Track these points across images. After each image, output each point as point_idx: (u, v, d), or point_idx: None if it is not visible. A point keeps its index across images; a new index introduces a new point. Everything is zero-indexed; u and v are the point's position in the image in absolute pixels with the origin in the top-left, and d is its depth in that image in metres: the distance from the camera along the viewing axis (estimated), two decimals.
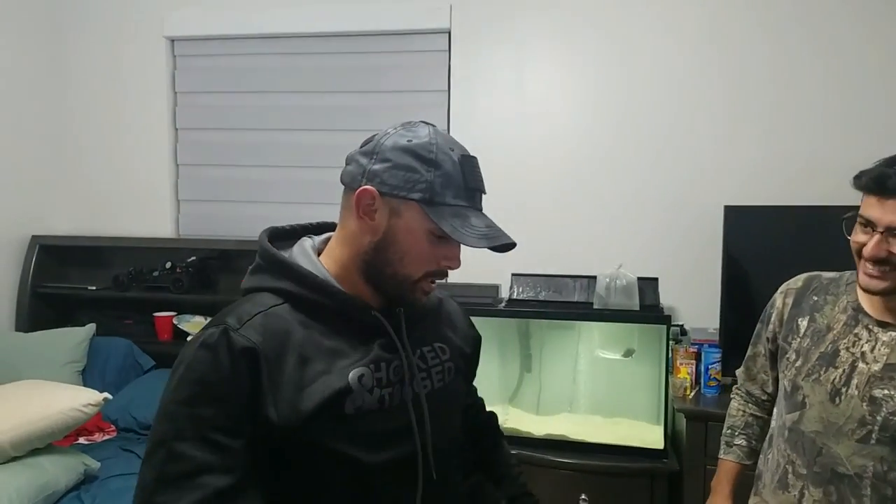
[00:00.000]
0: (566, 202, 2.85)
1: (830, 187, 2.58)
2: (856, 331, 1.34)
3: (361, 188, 0.95)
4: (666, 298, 2.61)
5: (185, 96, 3.29)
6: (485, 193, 1.02)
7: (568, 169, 2.83)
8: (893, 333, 1.31)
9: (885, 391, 1.28)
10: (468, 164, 0.98)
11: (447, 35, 2.98)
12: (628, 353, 2.54)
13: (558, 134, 2.87)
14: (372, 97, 3.09)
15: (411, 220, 0.96)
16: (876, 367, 1.30)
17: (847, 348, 1.34)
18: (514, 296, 2.57)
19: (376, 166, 0.96)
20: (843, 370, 1.32)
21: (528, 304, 2.55)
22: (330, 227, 1.11)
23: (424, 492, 1.00)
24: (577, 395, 2.66)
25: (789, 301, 1.51)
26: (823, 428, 1.33)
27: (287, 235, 1.10)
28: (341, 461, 0.94)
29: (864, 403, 1.29)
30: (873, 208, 1.28)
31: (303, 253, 1.03)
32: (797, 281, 1.55)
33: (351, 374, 0.95)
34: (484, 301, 2.57)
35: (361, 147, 0.99)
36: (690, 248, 2.72)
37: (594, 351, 2.59)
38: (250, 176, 3.22)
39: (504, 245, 0.98)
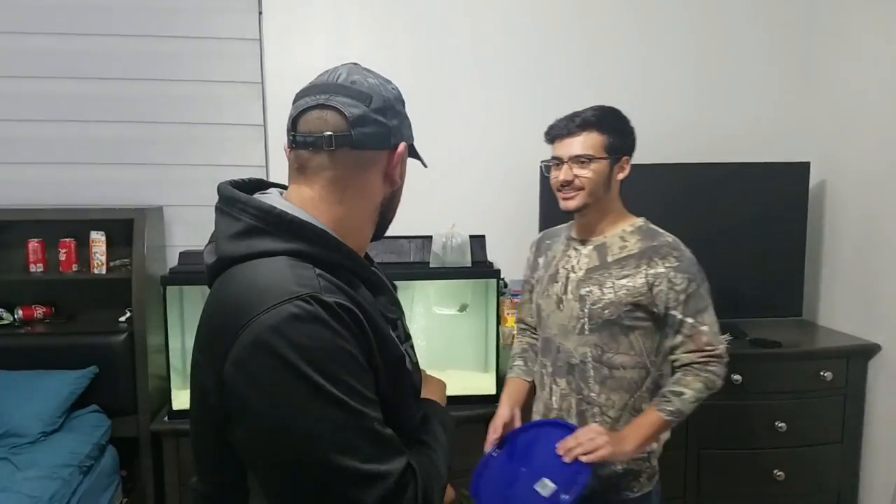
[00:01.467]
0: None
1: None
2: (568, 252, 1.75)
3: (400, 146, 1.00)
4: (490, 254, 2.75)
5: None
6: None
7: None
8: (589, 246, 1.71)
9: (587, 289, 1.66)
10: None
11: None
12: (463, 308, 2.65)
13: None
14: (174, 42, 2.75)
15: (405, 160, 1.05)
16: (580, 273, 1.69)
17: (563, 266, 1.74)
18: None
19: (394, 122, 1.00)
20: (562, 283, 1.72)
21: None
22: (259, 184, 1.05)
23: None
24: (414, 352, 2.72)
25: (533, 249, 1.94)
26: (558, 330, 1.71)
27: (245, 190, 0.99)
28: (405, 409, 0.99)
29: (576, 302, 1.67)
30: (557, 149, 1.70)
31: (294, 209, 0.94)
32: (539, 235, 1.98)
33: (394, 333, 0.97)
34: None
35: (362, 102, 0.96)
36: (511, 206, 2.89)
37: (430, 308, 2.66)
38: (23, 132, 2.71)
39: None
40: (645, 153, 2.86)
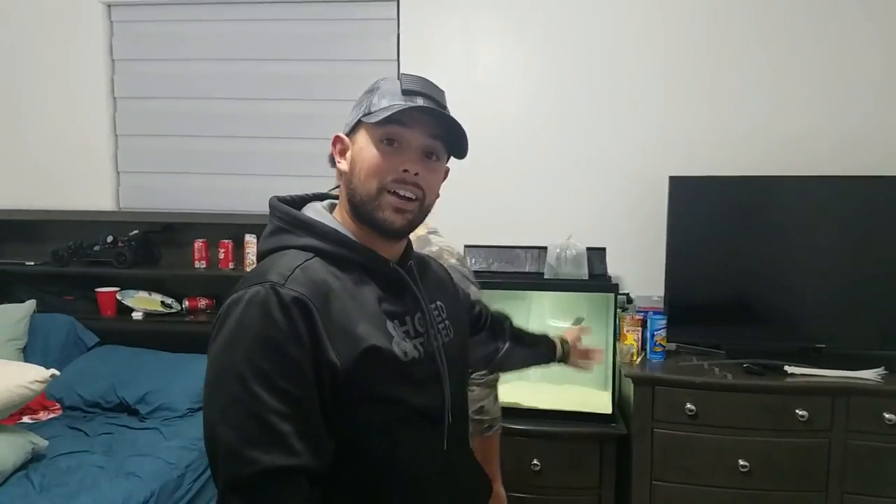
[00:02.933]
0: (517, 174, 2.87)
1: (773, 157, 2.69)
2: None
3: (334, 136, 1.09)
4: (613, 268, 2.67)
5: (124, 64, 3.15)
6: (431, 98, 1.06)
7: (518, 140, 2.85)
8: None
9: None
10: (407, 77, 1.07)
11: (396, 3, 2.94)
12: (578, 322, 2.59)
13: (508, 105, 2.88)
14: (318, 66, 3.03)
15: (361, 139, 1.06)
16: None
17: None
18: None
19: (354, 112, 1.08)
20: None
21: (482, 276, 2.55)
22: (327, 196, 1.17)
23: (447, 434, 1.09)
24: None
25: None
26: None
27: (292, 203, 1.13)
28: (393, 402, 1.01)
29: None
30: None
31: (317, 213, 1.08)
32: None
33: (388, 325, 1.02)
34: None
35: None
36: (636, 219, 2.79)
37: (545, 320, 2.64)
38: (192, 146, 3.13)
39: (447, 128, 1.08)
40: (798, 164, 2.68)
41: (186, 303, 3.05)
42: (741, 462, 2.28)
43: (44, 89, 3.12)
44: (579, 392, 2.65)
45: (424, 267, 1.23)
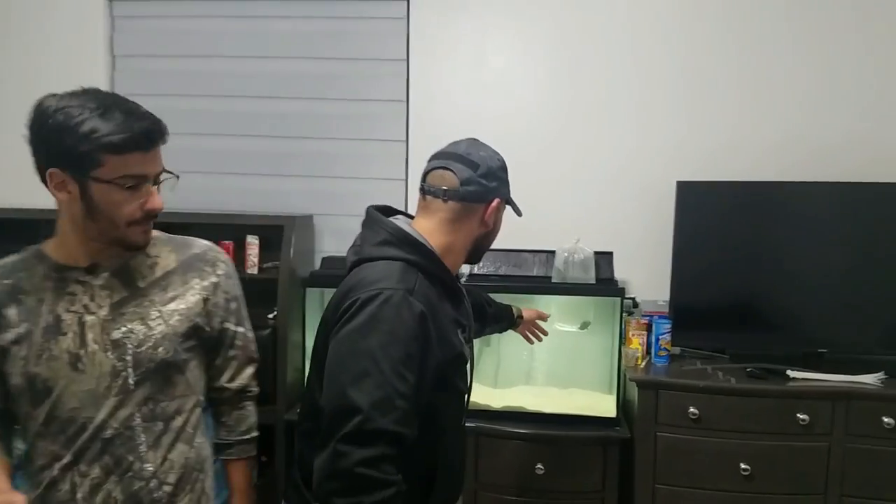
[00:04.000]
0: (525, 176, 2.87)
1: (781, 162, 2.73)
2: (69, 290, 1.27)
3: (494, 201, 1.41)
4: (620, 272, 2.69)
5: (125, 60, 3.12)
6: None
7: (526, 142, 2.86)
8: (104, 273, 1.29)
9: (123, 328, 1.26)
10: None
11: (406, 1, 2.94)
12: (584, 326, 2.62)
13: (518, 106, 2.90)
14: (326, 64, 3.02)
15: (502, 210, 1.47)
16: (104, 312, 1.26)
17: (68, 310, 1.26)
18: (475, 270, 2.60)
19: (494, 184, 1.40)
20: (74, 332, 1.25)
21: (489, 279, 2.58)
22: (391, 210, 1.49)
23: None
24: (533, 368, 2.73)
25: None
26: (80, 402, 1.24)
27: (383, 212, 1.44)
28: (456, 393, 1.41)
29: (109, 353, 1.25)
30: (141, 164, 1.21)
31: (416, 233, 1.37)
32: None
33: (461, 335, 1.38)
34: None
35: (471, 168, 1.38)
36: (644, 223, 2.82)
37: (552, 324, 2.65)
38: (193, 145, 3.09)
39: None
40: (804, 170, 2.73)
41: None
42: (743, 466, 2.31)
43: (43, 85, 3.06)
44: (584, 396, 2.67)
45: None
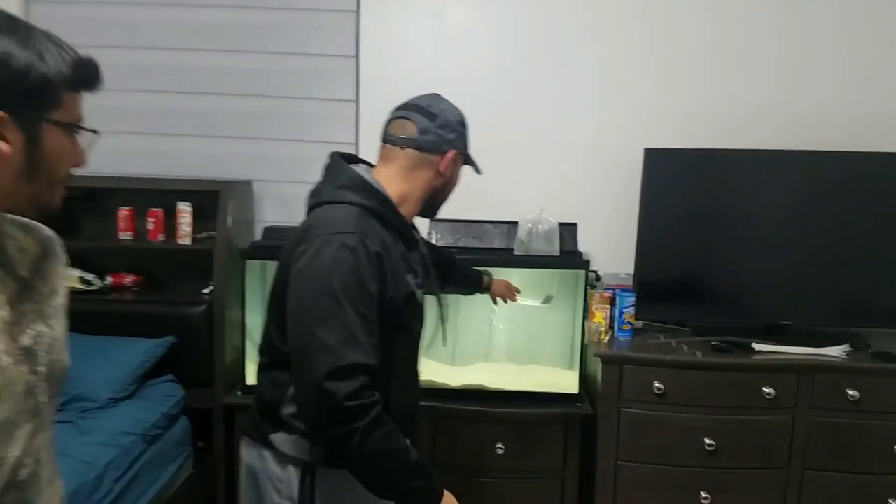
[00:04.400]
0: (486, 141, 2.70)
1: (745, 131, 2.65)
2: None
3: (451, 152, 1.45)
4: (582, 244, 2.58)
5: (40, 6, 2.76)
6: None
7: (488, 105, 2.68)
8: None
9: (31, 331, 0.93)
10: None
11: None
12: (547, 300, 2.50)
13: (479, 65, 2.72)
14: (266, 14, 2.74)
15: (460, 164, 1.52)
16: (4, 313, 0.90)
17: None
18: (433, 242, 2.43)
19: (451, 135, 1.45)
20: None
21: (448, 251, 2.41)
22: (354, 158, 1.52)
23: None
24: (493, 345, 2.60)
25: None
26: None
27: (344, 159, 1.47)
28: (410, 331, 1.48)
29: (23, 365, 0.91)
30: (80, 107, 0.92)
31: (373, 181, 1.42)
32: None
33: (413, 279, 1.42)
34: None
35: (430, 119, 1.42)
36: (609, 194, 2.71)
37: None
38: (117, 102, 2.74)
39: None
40: (774, 139, 2.67)
41: (110, 279, 2.72)
42: (707, 441, 2.27)
43: None
44: (544, 372, 2.57)
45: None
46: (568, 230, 2.49)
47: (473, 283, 2.09)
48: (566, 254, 2.44)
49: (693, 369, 2.28)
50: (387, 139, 1.45)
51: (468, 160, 1.53)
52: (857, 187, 2.47)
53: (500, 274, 2.38)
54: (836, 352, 2.31)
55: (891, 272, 2.49)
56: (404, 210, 1.43)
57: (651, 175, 2.49)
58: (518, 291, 2.19)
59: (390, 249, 1.36)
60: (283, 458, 1.37)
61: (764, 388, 2.25)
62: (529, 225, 2.38)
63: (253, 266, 2.43)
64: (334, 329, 1.22)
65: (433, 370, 2.52)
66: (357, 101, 2.76)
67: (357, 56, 2.74)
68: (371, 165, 1.50)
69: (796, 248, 2.51)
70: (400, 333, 1.42)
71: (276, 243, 2.41)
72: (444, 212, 2.50)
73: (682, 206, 2.53)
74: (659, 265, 2.55)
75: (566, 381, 2.49)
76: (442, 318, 1.72)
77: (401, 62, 2.71)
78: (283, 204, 2.83)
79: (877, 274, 2.50)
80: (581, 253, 2.47)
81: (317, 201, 1.41)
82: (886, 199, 2.47)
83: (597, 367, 2.39)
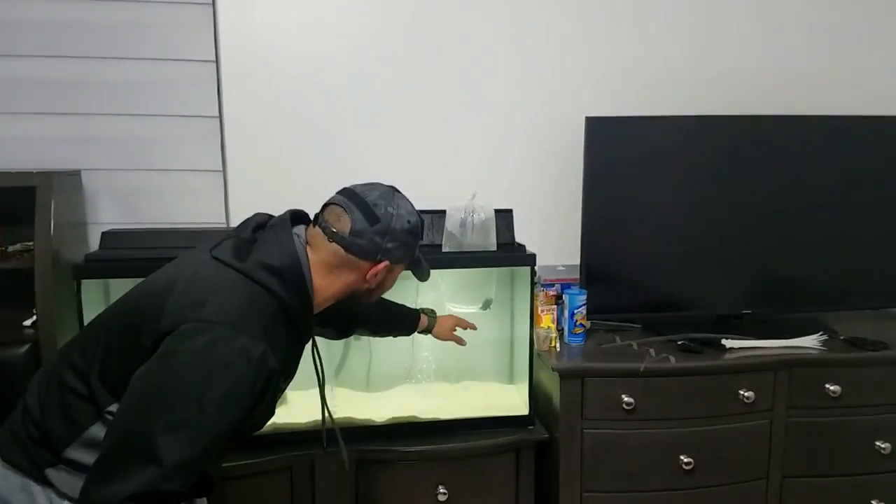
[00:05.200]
0: (400, 119, 2.23)
1: (697, 96, 2.36)
2: None
3: (380, 263, 1.26)
4: (518, 233, 2.14)
5: None
6: None
7: (395, 73, 2.20)
8: None
9: None
10: (422, 226, 1.37)
11: None
12: (486, 305, 2.05)
13: (377, 20, 2.20)
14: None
15: (397, 272, 1.34)
16: None
17: None
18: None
19: (390, 245, 1.25)
20: None
21: None
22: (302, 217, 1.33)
23: None
24: (417, 360, 2.11)
25: None
26: None
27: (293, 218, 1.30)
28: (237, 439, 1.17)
29: None
30: None
31: (307, 272, 1.23)
32: None
33: (283, 383, 1.23)
34: None
35: (369, 221, 1.22)
36: (544, 172, 2.30)
37: (443, 304, 2.05)
38: None
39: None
40: (706, 103, 2.39)
41: None
42: (684, 459, 1.93)
43: None
44: (483, 390, 2.14)
45: None
46: (502, 218, 2.04)
47: (408, 327, 1.80)
48: (504, 247, 1.99)
49: (666, 377, 1.92)
50: (318, 222, 1.26)
51: (410, 267, 1.39)
52: (818, 154, 2.21)
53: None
54: (812, 342, 2.05)
55: (853, 249, 2.26)
56: (315, 303, 1.26)
57: (594, 147, 2.08)
58: (474, 328, 1.90)
59: (284, 361, 1.19)
60: (60, 496, 1.15)
61: (741, 392, 1.94)
62: (462, 214, 1.91)
63: (91, 287, 1.76)
64: (179, 443, 1.00)
65: (346, 401, 2.01)
66: (217, 63, 2.13)
67: (214, 4, 2.11)
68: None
69: (752, 228, 2.22)
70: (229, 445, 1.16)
71: (120, 253, 1.79)
72: None
73: (629, 184, 2.16)
74: (607, 254, 2.17)
75: (511, 400, 2.08)
76: (317, 359, 1.49)
77: (269, 8, 2.13)
78: (123, 200, 2.16)
79: (837, 252, 2.26)
80: (523, 246, 2.03)
81: (233, 258, 1.18)
82: (850, 166, 2.23)
83: (548, 382, 1.99)
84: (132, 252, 1.79)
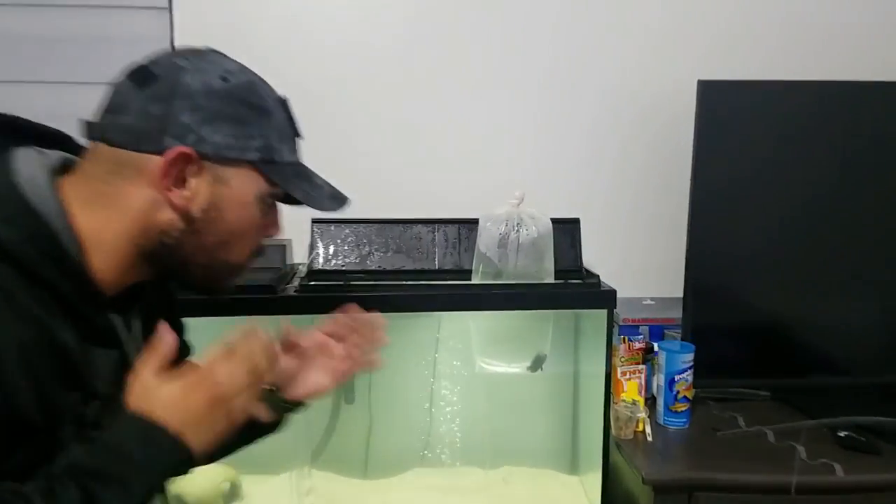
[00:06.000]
0: (419, 89, 1.58)
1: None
2: None
3: (173, 150, 0.68)
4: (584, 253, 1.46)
5: None
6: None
7: (415, 44, 1.56)
8: None
9: None
10: (288, 107, 0.79)
11: None
12: (538, 364, 1.38)
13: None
14: None
15: (244, 188, 0.74)
16: None
17: None
18: (318, 264, 1.25)
19: (184, 116, 0.69)
20: None
21: (344, 278, 1.24)
22: (51, 135, 0.77)
23: None
24: (438, 436, 1.47)
25: None
26: None
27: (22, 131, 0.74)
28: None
29: None
30: None
31: (44, 197, 0.68)
32: None
33: (79, 398, 0.70)
34: (258, 281, 1.20)
35: (140, 86, 0.70)
36: (621, 165, 1.59)
37: (472, 360, 1.39)
38: None
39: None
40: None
41: None
42: None
43: None
44: (532, 481, 1.47)
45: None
46: (564, 232, 1.36)
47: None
48: (565, 274, 1.31)
49: (826, 493, 1.20)
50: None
51: (271, 179, 0.74)
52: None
53: (445, 318, 1.27)
54: None
55: None
56: (96, 263, 0.69)
57: (708, 122, 1.38)
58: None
59: (26, 339, 0.62)
60: None
61: None
62: (503, 226, 1.24)
63: None
64: None
65: (331, 489, 1.38)
66: (170, 8, 1.53)
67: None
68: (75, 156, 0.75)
69: None
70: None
71: None
72: (353, 210, 1.34)
73: (761, 172, 1.44)
74: (724, 282, 1.46)
75: (569, 495, 1.40)
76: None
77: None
78: None
79: None
80: (595, 275, 1.34)
81: None
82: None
83: (631, 481, 1.30)
84: None
